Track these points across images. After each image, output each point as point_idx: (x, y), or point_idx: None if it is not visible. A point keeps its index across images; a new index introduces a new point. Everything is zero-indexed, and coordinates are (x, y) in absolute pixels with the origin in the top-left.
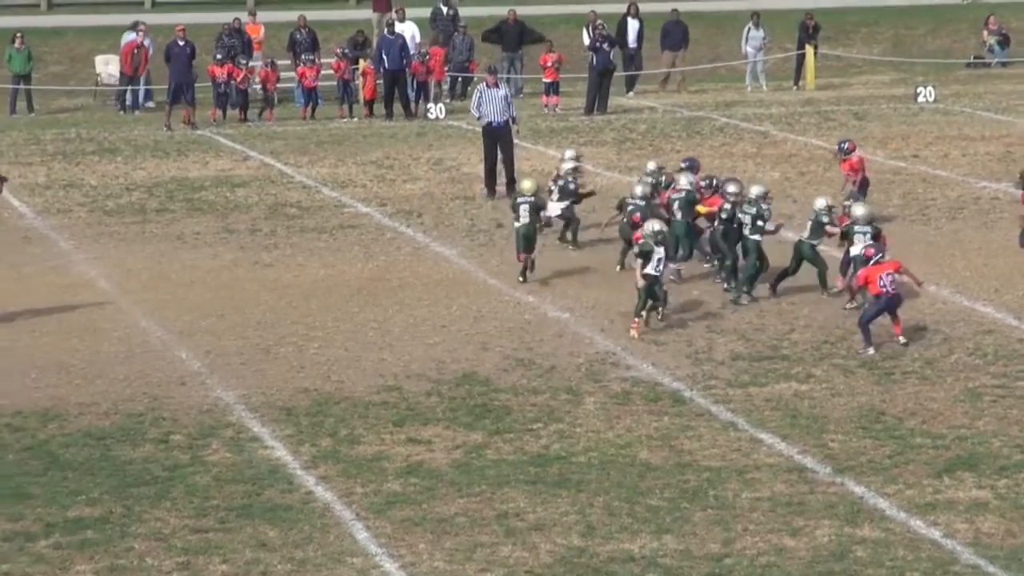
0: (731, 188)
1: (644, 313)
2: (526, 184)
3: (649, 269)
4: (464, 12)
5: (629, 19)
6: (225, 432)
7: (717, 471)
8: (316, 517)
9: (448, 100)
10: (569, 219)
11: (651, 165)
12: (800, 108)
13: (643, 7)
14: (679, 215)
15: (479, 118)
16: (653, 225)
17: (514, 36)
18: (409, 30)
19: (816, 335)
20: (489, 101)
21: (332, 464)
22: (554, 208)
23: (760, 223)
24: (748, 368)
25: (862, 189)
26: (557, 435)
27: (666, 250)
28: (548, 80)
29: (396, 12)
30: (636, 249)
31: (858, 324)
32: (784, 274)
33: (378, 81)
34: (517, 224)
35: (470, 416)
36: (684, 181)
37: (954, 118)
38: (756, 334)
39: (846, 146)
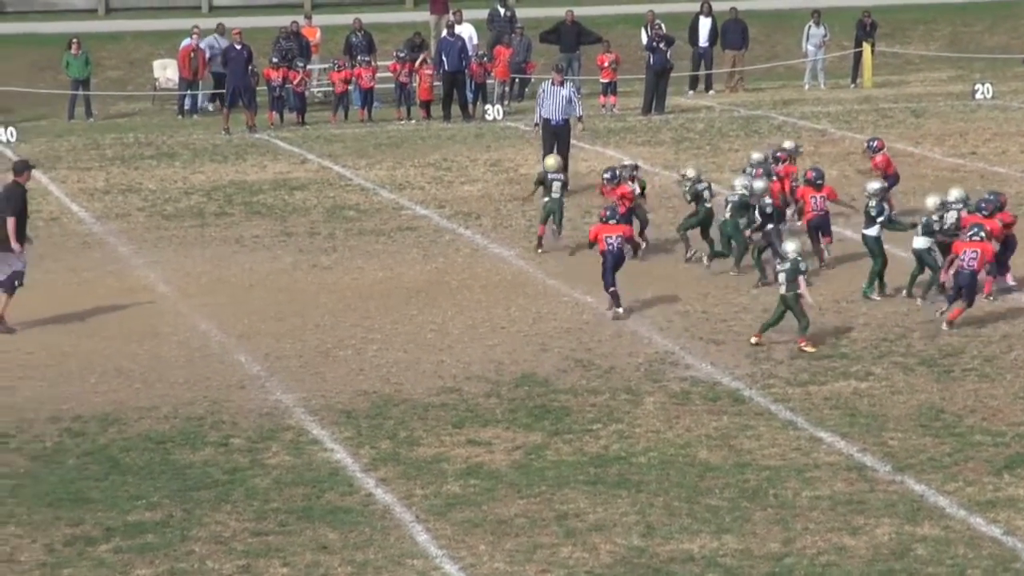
0: (738, 182)
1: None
2: (550, 161)
3: (802, 289)
4: (521, 13)
5: (701, 17)
6: (285, 435)
7: (776, 470)
8: (376, 519)
9: (507, 102)
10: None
11: (755, 154)
12: (857, 106)
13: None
14: (729, 215)
15: (535, 124)
16: (795, 244)
17: (572, 37)
18: (467, 32)
19: (875, 333)
20: (552, 98)
21: (392, 466)
22: None
23: (880, 219)
24: (807, 367)
25: (891, 185)
26: (616, 435)
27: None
28: (605, 80)
29: (454, 14)
30: (786, 266)
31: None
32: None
33: (436, 83)
34: (546, 199)
35: (529, 417)
36: (739, 183)
37: (1012, 115)
38: (815, 333)
39: (875, 144)
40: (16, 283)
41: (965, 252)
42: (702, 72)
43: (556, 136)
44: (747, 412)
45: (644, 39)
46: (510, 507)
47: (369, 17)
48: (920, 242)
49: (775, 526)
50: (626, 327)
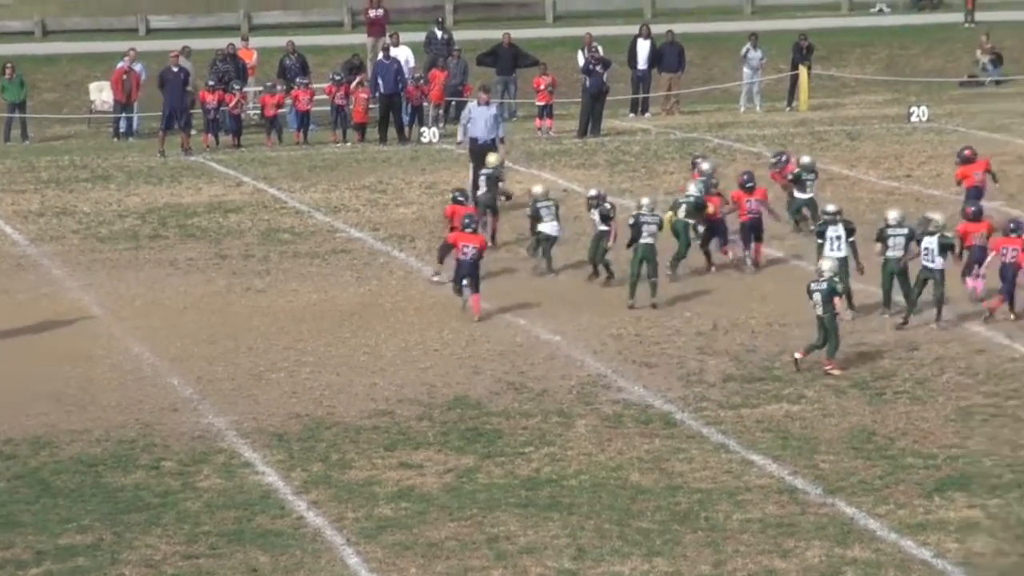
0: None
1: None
2: (491, 158)
3: (838, 308)
4: (458, 36)
5: (640, 40)
6: (217, 458)
7: (708, 493)
8: (307, 542)
9: (443, 124)
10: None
11: (705, 166)
12: (793, 129)
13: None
14: (684, 214)
15: (460, 142)
16: (831, 263)
17: (508, 59)
18: (403, 54)
19: (808, 356)
20: (479, 118)
21: (323, 489)
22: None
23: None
24: (739, 389)
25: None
26: (548, 458)
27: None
28: (541, 103)
29: (390, 37)
30: (822, 286)
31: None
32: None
33: (372, 105)
34: (479, 193)
35: (461, 440)
36: (693, 188)
37: (947, 137)
38: (748, 355)
39: (784, 158)
40: None
41: (1006, 249)
42: (640, 95)
43: (483, 156)
44: (679, 435)
45: (581, 61)
46: (441, 530)
47: (307, 39)
48: (938, 262)
49: (706, 549)
50: (559, 350)
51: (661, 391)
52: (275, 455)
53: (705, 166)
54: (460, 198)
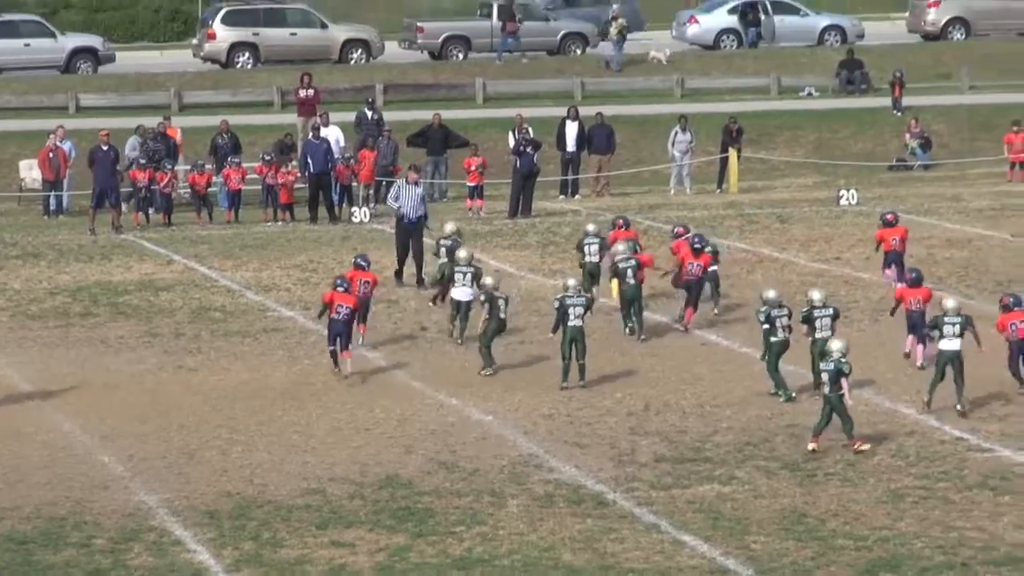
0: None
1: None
2: (448, 227)
3: (844, 390)
4: (389, 116)
5: (568, 122)
6: (148, 536)
7: (640, 573)
8: None
9: (373, 204)
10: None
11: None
12: (723, 211)
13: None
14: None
15: (397, 208)
16: (840, 344)
17: (439, 140)
18: (333, 134)
19: (739, 437)
20: (408, 197)
21: (255, 567)
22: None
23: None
24: (671, 470)
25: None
26: (480, 538)
27: None
28: (472, 184)
29: (320, 116)
30: (830, 367)
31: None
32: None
33: (300, 185)
34: (440, 261)
35: (393, 519)
36: (620, 248)
37: (876, 220)
38: (679, 436)
39: (677, 231)
40: None
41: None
42: (570, 177)
43: (410, 234)
44: (611, 515)
45: (511, 143)
46: None
47: (238, 119)
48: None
49: None
50: (491, 430)
51: (593, 471)
52: (206, 533)
53: (590, 227)
54: (362, 263)
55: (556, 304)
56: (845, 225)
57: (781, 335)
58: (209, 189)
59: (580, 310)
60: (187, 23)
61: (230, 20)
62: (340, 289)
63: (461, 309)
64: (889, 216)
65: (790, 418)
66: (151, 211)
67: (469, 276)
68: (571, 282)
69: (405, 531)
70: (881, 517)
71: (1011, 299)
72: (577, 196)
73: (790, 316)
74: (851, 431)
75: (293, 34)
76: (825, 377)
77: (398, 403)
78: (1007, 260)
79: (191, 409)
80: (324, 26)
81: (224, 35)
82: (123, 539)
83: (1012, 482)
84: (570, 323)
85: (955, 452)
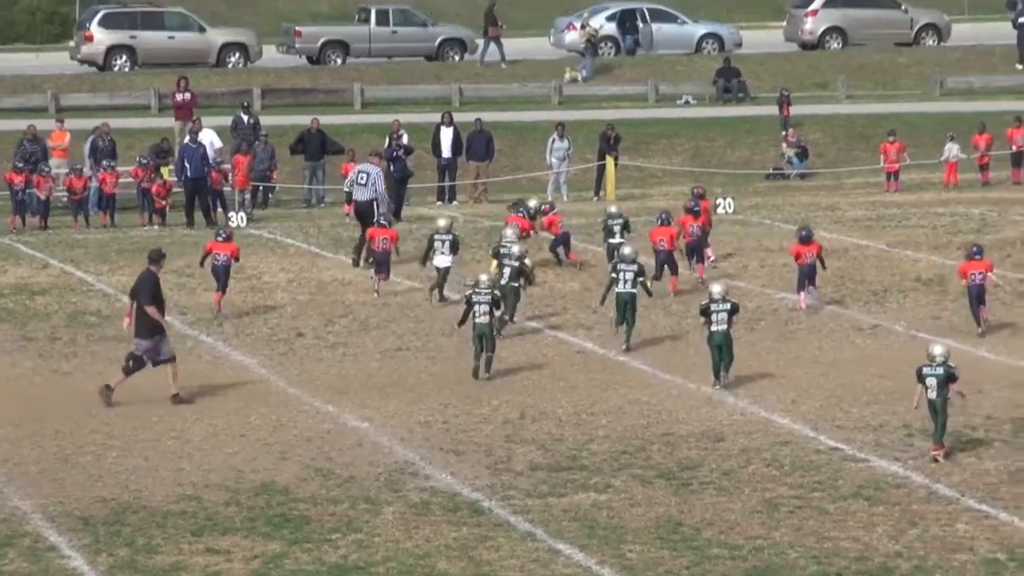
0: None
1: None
2: (441, 222)
3: (951, 395)
4: (266, 121)
5: (443, 128)
6: (22, 541)
7: None
8: None
9: (250, 209)
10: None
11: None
12: (600, 218)
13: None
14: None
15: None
16: (942, 348)
17: (316, 145)
18: (207, 137)
19: (615, 445)
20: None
21: (129, 574)
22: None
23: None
24: (547, 478)
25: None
26: (355, 545)
27: None
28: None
29: (193, 121)
30: (939, 371)
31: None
32: None
33: (176, 190)
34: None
35: (268, 526)
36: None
37: (752, 229)
38: (555, 444)
39: (544, 207)
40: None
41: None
42: (447, 183)
43: (367, 216)
44: (486, 523)
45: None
46: None
47: (115, 122)
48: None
49: None
50: (367, 436)
51: (469, 479)
52: (81, 539)
53: (532, 203)
54: (383, 222)
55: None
56: (721, 234)
57: (718, 328)
58: (85, 193)
59: (485, 307)
60: (64, 25)
61: (107, 23)
62: (219, 239)
63: (439, 275)
64: (804, 232)
65: (666, 427)
66: (27, 214)
67: (448, 244)
68: (483, 277)
69: (281, 538)
70: (756, 527)
71: (973, 249)
72: (454, 202)
73: (734, 311)
74: (941, 438)
75: (171, 37)
76: (934, 382)
77: (274, 410)
78: (883, 270)
79: (66, 414)
80: (202, 29)
81: (101, 37)
82: None
83: (886, 492)
84: (477, 319)
85: (830, 462)
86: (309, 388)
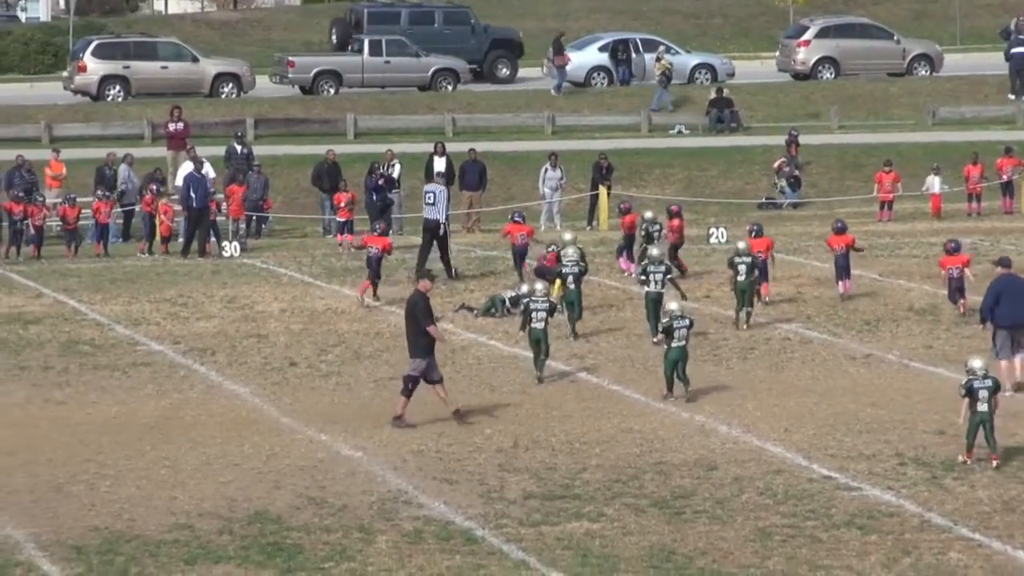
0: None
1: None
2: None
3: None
4: (259, 151)
5: (436, 158)
6: (15, 571)
7: None
8: None
9: (244, 239)
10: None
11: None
12: (593, 248)
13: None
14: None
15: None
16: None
17: (333, 177)
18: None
19: (608, 474)
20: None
21: None
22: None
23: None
24: (540, 507)
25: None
26: (349, 574)
27: None
28: (342, 219)
29: (189, 151)
30: (988, 383)
31: None
32: None
33: (176, 220)
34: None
35: (262, 555)
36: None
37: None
38: (548, 473)
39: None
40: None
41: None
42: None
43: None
44: (480, 551)
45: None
46: None
47: (106, 152)
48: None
49: None
50: (360, 465)
51: (462, 508)
52: (74, 568)
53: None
54: (517, 218)
55: (521, 308)
56: (715, 263)
57: (677, 344)
58: (79, 223)
59: (543, 314)
60: (58, 55)
61: (101, 53)
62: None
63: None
64: (839, 224)
65: (659, 455)
66: (21, 244)
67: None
68: (539, 286)
69: (274, 567)
70: (749, 555)
71: (952, 244)
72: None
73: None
74: (995, 445)
75: (164, 67)
76: (986, 394)
77: (267, 438)
78: (875, 299)
79: (59, 443)
80: (195, 60)
81: (95, 67)
82: None
83: (879, 521)
84: (533, 325)
85: (823, 491)
86: (302, 417)
